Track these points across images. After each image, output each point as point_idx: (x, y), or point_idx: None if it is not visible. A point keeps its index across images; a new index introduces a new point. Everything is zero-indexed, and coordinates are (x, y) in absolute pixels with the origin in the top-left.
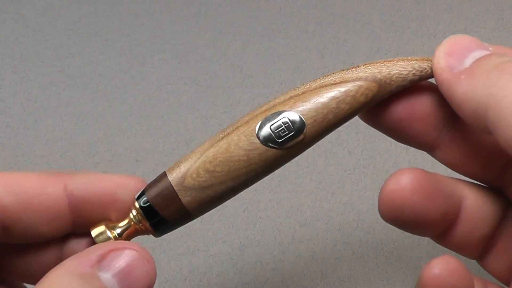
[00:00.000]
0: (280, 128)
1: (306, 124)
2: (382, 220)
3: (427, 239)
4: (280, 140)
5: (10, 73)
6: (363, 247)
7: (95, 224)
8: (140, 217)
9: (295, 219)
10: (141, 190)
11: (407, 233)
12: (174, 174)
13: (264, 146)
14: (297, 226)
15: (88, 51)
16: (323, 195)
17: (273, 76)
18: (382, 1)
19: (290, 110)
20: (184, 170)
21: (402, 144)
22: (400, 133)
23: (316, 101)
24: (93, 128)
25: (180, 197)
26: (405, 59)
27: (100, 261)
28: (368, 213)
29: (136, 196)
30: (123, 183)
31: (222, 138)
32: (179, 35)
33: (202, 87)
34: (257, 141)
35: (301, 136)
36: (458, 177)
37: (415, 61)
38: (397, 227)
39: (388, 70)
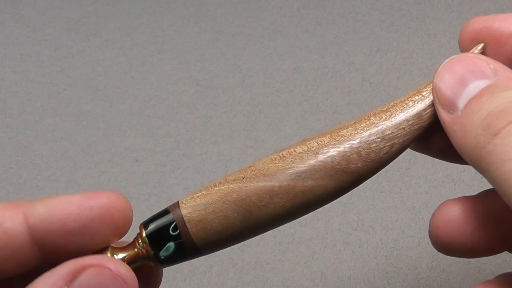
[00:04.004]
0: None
1: None
2: (382, 220)
3: (427, 239)
4: None
5: (10, 73)
6: (363, 247)
7: (101, 249)
8: (145, 245)
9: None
10: (149, 218)
11: (407, 233)
12: (188, 208)
13: None
14: (297, 226)
15: (88, 51)
16: None
17: (273, 76)
18: (382, 1)
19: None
20: (201, 205)
21: None
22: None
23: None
24: (93, 128)
25: (190, 232)
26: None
27: (72, 280)
28: (368, 213)
29: (143, 223)
30: (86, 205)
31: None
32: (179, 35)
33: (202, 87)
34: None
35: None
36: None
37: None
38: (456, 256)
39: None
